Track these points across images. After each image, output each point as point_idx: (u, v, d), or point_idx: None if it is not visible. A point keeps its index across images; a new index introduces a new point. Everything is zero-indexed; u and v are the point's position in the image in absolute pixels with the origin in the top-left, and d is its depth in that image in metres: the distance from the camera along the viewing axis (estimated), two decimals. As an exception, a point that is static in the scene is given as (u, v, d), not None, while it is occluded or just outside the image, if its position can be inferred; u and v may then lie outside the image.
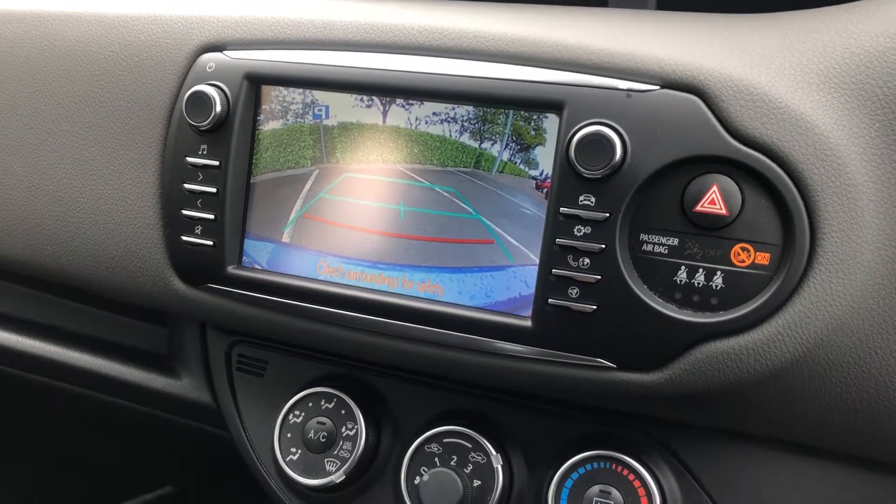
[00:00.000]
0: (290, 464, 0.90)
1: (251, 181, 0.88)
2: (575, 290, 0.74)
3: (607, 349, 0.75)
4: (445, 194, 0.82)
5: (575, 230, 0.74)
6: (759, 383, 0.73)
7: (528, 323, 0.77)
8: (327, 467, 0.89)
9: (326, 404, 0.92)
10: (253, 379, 0.99)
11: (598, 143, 0.71)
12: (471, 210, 0.81)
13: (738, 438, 0.82)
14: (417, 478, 0.85)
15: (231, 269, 0.88)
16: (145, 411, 1.12)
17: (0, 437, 1.70)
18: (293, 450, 0.91)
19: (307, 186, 0.87)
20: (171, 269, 0.92)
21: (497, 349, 0.79)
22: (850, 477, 0.80)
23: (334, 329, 0.85)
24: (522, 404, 0.89)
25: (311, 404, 0.93)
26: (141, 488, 1.83)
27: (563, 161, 0.74)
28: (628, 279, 0.73)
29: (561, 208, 0.74)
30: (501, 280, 0.80)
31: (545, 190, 0.77)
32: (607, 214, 0.72)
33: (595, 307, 0.74)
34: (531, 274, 0.78)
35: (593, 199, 0.73)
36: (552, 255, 0.75)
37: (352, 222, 0.85)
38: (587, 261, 0.74)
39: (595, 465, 0.82)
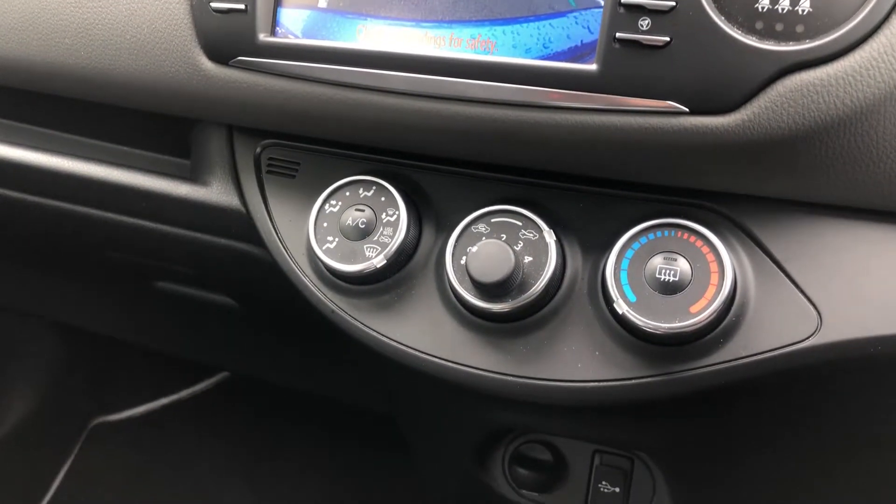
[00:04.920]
0: (328, 252, 0.85)
1: (285, -58, 0.82)
2: (646, 22, 0.68)
3: (680, 90, 0.69)
4: (500, -64, 0.75)
5: None
6: (846, 123, 0.67)
7: (593, 67, 0.71)
8: (367, 253, 0.84)
9: (365, 192, 0.86)
10: (284, 181, 0.93)
11: None
12: (528, -49, 0.74)
13: (810, 209, 0.76)
14: (464, 257, 0.79)
15: (263, 38, 0.82)
16: (168, 234, 1.06)
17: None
18: (330, 238, 0.85)
19: (346, -58, 0.80)
20: (199, 47, 0.86)
21: (558, 101, 0.72)
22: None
23: (376, 97, 0.79)
24: (576, 189, 0.83)
25: (348, 193, 0.87)
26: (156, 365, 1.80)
27: None
28: (705, 5, 0.67)
29: None
30: (561, 28, 0.73)
31: (612, -80, 0.70)
32: None
33: (668, 39, 0.68)
34: (595, 17, 0.72)
35: None
36: None
37: (395, -22, 0.79)
38: (661, -14, 0.67)
39: (658, 233, 0.76)
